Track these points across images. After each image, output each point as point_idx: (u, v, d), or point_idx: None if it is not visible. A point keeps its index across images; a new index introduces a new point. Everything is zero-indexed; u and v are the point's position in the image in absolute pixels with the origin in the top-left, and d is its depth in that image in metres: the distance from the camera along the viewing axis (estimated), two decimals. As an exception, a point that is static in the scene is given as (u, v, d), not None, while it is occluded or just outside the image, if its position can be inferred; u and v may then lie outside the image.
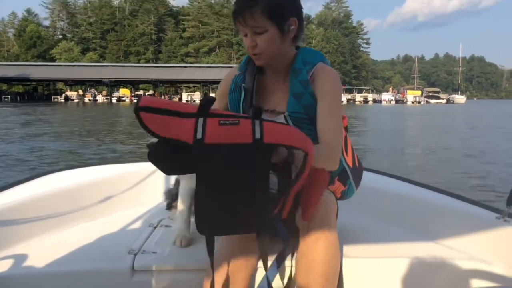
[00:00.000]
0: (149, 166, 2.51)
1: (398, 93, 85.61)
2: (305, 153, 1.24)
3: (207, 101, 1.26)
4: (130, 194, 2.45)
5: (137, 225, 2.13)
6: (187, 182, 1.82)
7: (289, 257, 1.58)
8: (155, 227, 2.04)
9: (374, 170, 2.72)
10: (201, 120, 1.20)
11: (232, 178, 1.22)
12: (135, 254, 1.68)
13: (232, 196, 1.23)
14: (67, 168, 2.74)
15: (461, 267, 1.70)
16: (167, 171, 1.44)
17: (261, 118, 1.24)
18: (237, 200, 1.23)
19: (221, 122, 1.20)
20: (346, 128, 1.76)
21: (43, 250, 1.76)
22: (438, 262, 1.74)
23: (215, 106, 1.62)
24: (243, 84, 1.69)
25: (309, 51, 1.71)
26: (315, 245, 1.43)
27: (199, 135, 1.18)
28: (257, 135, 1.20)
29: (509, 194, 1.73)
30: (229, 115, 1.26)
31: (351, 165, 1.74)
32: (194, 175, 1.22)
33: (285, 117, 1.62)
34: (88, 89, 69.81)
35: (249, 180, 1.23)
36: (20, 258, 1.68)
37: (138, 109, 1.20)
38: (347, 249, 1.74)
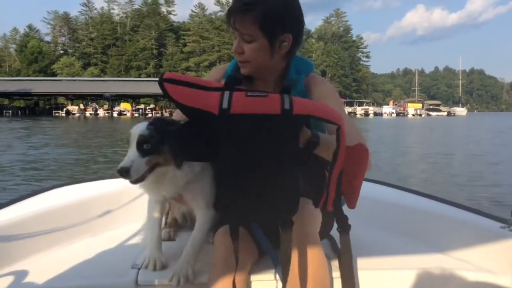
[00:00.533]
0: None
1: (398, 106, 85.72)
2: (337, 127, 1.16)
3: (233, 78, 1.24)
4: (133, 208, 2.43)
5: (140, 239, 2.11)
6: (153, 194, 1.78)
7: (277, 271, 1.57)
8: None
9: (380, 181, 2.72)
10: (227, 92, 1.18)
11: (259, 152, 1.18)
12: (139, 269, 1.68)
13: (259, 176, 1.19)
14: (70, 183, 2.73)
15: (467, 277, 1.71)
16: (190, 156, 1.39)
17: (290, 95, 1.19)
18: (265, 180, 1.20)
19: (249, 94, 1.17)
20: None
21: (47, 265, 1.78)
22: (444, 272, 1.74)
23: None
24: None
25: (300, 59, 1.66)
26: (300, 260, 1.38)
27: (225, 105, 1.15)
28: (286, 106, 1.15)
29: None
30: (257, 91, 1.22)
31: None
32: (156, 188, 1.42)
33: None
34: (89, 103, 69.90)
35: (278, 155, 1.18)
36: (24, 274, 1.69)
37: (162, 80, 1.19)
38: (355, 261, 1.72)
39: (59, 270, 1.71)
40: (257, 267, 1.64)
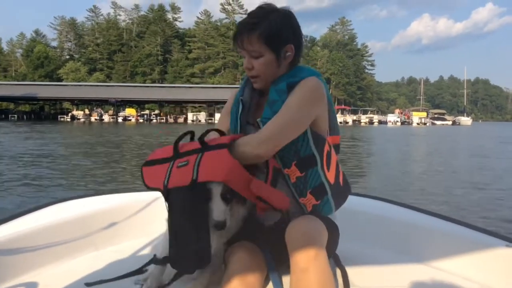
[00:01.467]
0: (157, 195, 2.53)
1: (403, 114, 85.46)
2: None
3: (177, 139, 1.60)
4: (138, 223, 2.46)
5: (144, 254, 2.12)
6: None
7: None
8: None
9: (373, 196, 2.69)
10: (171, 165, 1.56)
11: (180, 216, 1.50)
12: (142, 285, 1.69)
13: (180, 233, 1.49)
14: (74, 198, 2.75)
15: None
16: None
17: (203, 150, 1.51)
18: (184, 236, 1.48)
19: (179, 165, 1.53)
20: (335, 146, 1.77)
21: (51, 279, 1.79)
22: None
23: (221, 123, 1.84)
24: (240, 97, 1.75)
25: (302, 68, 1.72)
26: (304, 276, 1.41)
27: (165, 182, 1.52)
28: (194, 176, 1.47)
29: None
30: (192, 151, 1.53)
31: (332, 181, 1.70)
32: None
33: (257, 122, 1.65)
34: (95, 108, 70.07)
35: (191, 216, 1.48)
36: (28, 287, 1.70)
37: (143, 164, 1.63)
38: (350, 277, 1.73)
39: (62, 284, 1.72)
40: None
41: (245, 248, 1.62)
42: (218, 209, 1.51)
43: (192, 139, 1.67)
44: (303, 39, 1.75)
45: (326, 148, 1.66)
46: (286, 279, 1.59)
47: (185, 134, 1.64)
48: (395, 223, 2.28)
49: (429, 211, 2.40)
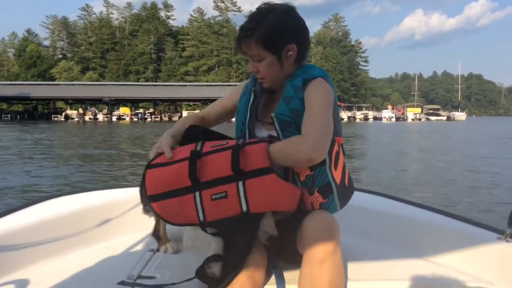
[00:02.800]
0: None
1: (397, 110, 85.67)
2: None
3: (191, 167, 1.47)
4: (130, 219, 2.41)
5: (136, 250, 2.12)
6: None
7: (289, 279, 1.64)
8: (155, 252, 2.03)
9: (370, 190, 2.68)
10: (198, 197, 1.46)
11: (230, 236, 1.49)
12: (135, 280, 1.69)
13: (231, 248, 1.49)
14: (66, 194, 2.72)
15: None
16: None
17: (242, 178, 1.44)
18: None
19: (214, 197, 1.45)
20: (341, 147, 1.78)
21: (43, 276, 1.78)
22: (441, 284, 1.76)
23: (226, 100, 1.89)
24: (253, 88, 1.75)
25: (313, 66, 1.76)
26: (320, 268, 1.43)
27: (201, 218, 1.48)
28: (244, 208, 1.44)
29: (510, 214, 1.78)
30: (224, 179, 1.45)
31: (338, 181, 1.70)
32: None
33: (271, 117, 1.65)
34: (89, 107, 69.72)
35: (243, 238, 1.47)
36: (19, 285, 1.69)
37: (150, 200, 1.53)
38: (348, 271, 1.76)
39: (55, 281, 1.71)
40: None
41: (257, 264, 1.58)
42: (270, 224, 1.51)
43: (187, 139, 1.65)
44: (307, 33, 1.71)
45: (335, 148, 1.67)
46: (286, 274, 1.65)
47: (194, 158, 1.51)
48: (391, 217, 2.28)
49: (424, 205, 2.40)
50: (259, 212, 1.45)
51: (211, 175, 1.47)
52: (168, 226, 2.02)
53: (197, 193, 1.47)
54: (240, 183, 1.44)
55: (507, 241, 1.79)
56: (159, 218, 1.62)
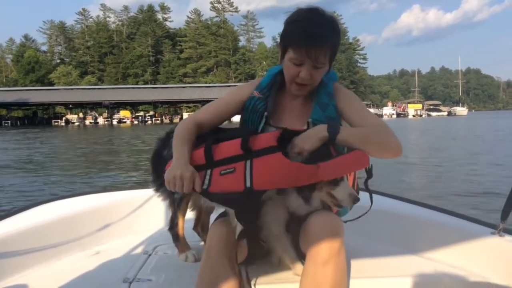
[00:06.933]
0: (142, 194, 2.58)
1: (397, 107, 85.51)
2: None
3: (207, 146, 1.55)
4: (124, 222, 2.45)
5: (132, 253, 2.13)
6: None
7: (288, 278, 1.68)
8: (149, 255, 2.06)
9: (373, 190, 2.55)
10: (208, 172, 1.52)
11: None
12: (130, 282, 1.70)
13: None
14: (60, 198, 2.70)
15: (460, 283, 1.77)
16: None
17: (251, 156, 1.47)
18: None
19: (222, 172, 1.50)
20: None
21: (38, 281, 1.80)
22: (436, 279, 1.80)
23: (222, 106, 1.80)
24: (265, 113, 1.70)
25: (331, 71, 1.76)
26: (323, 268, 1.43)
27: (205, 186, 1.51)
28: (248, 183, 1.44)
29: (503, 209, 1.81)
30: (234, 158, 1.50)
31: (350, 184, 1.70)
32: None
33: (308, 123, 1.65)
34: (89, 111, 69.42)
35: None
36: None
37: (165, 172, 1.56)
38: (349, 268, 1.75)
39: (51, 285, 1.72)
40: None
41: (226, 224, 1.63)
42: (295, 202, 1.54)
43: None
44: None
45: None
46: (287, 274, 1.70)
47: (213, 143, 1.58)
48: (388, 214, 2.29)
49: (422, 202, 2.40)
50: (262, 189, 1.46)
51: (223, 155, 1.54)
52: (188, 235, 2.02)
53: (208, 171, 1.53)
54: (248, 162, 1.47)
55: (500, 235, 1.85)
56: (176, 216, 1.84)
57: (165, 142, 1.88)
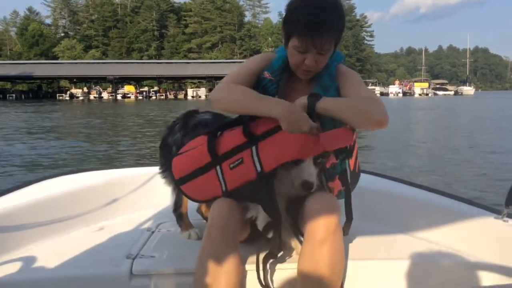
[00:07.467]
0: (147, 171, 2.60)
1: (403, 85, 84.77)
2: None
3: (210, 143, 1.57)
4: (128, 199, 2.46)
5: (135, 229, 2.14)
6: None
7: (287, 259, 1.71)
8: (153, 232, 2.08)
9: (369, 171, 2.69)
10: (219, 170, 1.55)
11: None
12: (133, 259, 1.71)
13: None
14: (65, 173, 2.72)
15: (460, 266, 1.77)
16: None
17: (255, 142, 1.50)
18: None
19: (231, 166, 1.52)
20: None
21: (42, 255, 1.81)
22: (436, 261, 1.80)
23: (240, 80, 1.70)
24: (276, 96, 1.67)
25: (336, 52, 1.74)
26: (320, 248, 1.45)
27: (223, 188, 1.55)
28: (258, 168, 1.49)
29: (507, 194, 1.81)
30: (238, 148, 1.52)
31: (352, 168, 1.74)
32: None
33: None
34: (93, 86, 69.15)
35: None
36: (19, 264, 1.72)
37: (178, 183, 1.64)
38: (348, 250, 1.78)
39: (54, 260, 1.73)
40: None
41: (228, 202, 1.61)
42: (310, 171, 1.53)
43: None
44: None
45: (356, 135, 1.65)
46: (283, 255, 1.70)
47: (214, 134, 1.60)
48: (389, 197, 2.28)
49: (423, 185, 2.39)
50: (273, 168, 1.49)
51: (227, 146, 1.55)
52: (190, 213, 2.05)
53: (218, 168, 1.54)
54: (254, 148, 1.50)
55: (504, 220, 1.85)
56: (180, 199, 1.87)
57: (171, 129, 1.97)
